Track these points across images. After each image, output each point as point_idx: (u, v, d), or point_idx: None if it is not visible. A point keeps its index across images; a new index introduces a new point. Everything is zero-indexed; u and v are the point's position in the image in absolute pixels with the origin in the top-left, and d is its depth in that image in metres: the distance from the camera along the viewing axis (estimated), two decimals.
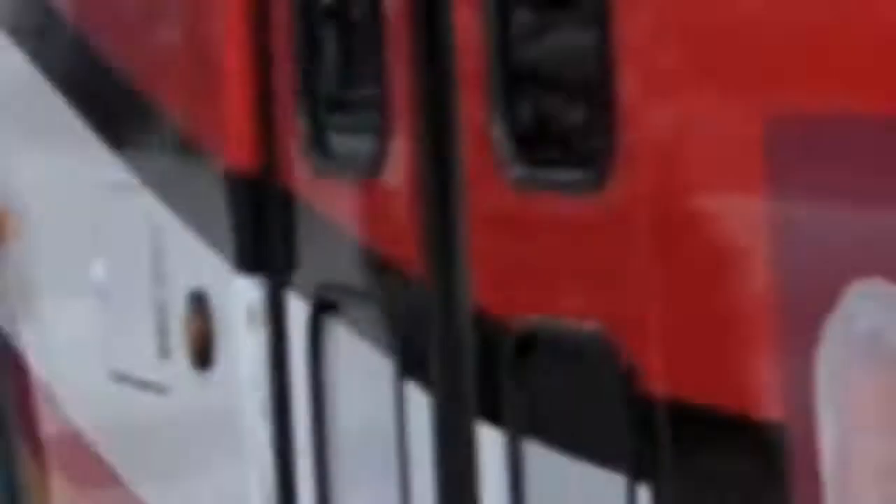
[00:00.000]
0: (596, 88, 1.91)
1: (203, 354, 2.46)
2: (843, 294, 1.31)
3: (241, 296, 2.39)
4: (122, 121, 2.91)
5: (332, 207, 2.39)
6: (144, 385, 2.63)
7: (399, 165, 2.24)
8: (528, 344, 1.95)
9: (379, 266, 2.26)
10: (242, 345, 2.39)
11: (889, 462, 1.30)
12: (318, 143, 2.42)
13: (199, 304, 2.47)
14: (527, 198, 1.97)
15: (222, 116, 2.51)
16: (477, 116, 2.06)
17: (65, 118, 3.05)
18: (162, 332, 2.54)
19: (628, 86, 1.76)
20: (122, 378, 2.70)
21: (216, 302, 2.45)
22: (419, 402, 2.11)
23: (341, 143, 2.43)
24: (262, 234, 2.43)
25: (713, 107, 1.65)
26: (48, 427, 3.11)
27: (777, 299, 1.47)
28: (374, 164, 2.29)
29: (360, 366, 2.27)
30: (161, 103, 2.73)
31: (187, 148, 2.62)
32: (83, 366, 2.87)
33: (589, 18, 1.91)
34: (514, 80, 2.06)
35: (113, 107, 2.94)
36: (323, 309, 2.34)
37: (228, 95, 2.50)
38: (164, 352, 2.56)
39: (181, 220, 2.57)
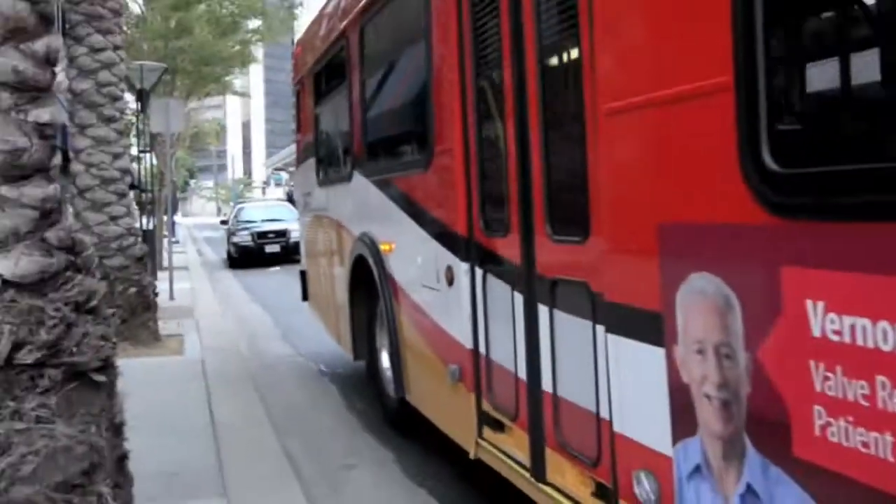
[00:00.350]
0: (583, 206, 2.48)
1: (450, 282, 3.49)
2: (689, 275, 1.92)
3: (464, 267, 3.37)
4: (418, 215, 3.95)
5: (483, 241, 3.27)
6: (431, 287, 3.78)
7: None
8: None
9: (506, 260, 3.09)
10: (463, 280, 3.37)
11: (699, 337, 1.91)
12: (485, 223, 3.25)
13: (450, 268, 3.50)
14: None
15: (455, 214, 3.44)
16: None
17: (394, 210, 4.29)
18: (439, 276, 3.63)
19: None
20: (424, 285, 3.88)
21: (455, 268, 3.45)
22: (518, 301, 2.94)
23: (493, 223, 3.21)
24: (471, 251, 3.34)
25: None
26: (400, 291, 4.35)
27: (665, 276, 2.03)
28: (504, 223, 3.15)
29: (498, 287, 3.15)
30: (426, 206, 3.86)
31: (441, 224, 3.64)
32: (415, 280, 4.06)
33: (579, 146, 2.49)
34: None
35: (412, 210, 4.04)
36: (486, 270, 3.25)
37: (458, 205, 3.41)
38: (437, 280, 3.65)
39: (443, 247, 3.61)
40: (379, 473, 4.17)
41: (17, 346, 1.97)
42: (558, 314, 2.66)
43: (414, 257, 4.03)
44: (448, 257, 3.51)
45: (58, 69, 2.26)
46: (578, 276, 2.50)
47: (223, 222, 22.84)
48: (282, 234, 17.85)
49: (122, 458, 2.28)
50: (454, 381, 3.47)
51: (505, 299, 3.02)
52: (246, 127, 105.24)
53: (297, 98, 7.39)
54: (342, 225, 5.54)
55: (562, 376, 2.67)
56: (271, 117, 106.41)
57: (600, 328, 2.36)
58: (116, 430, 2.24)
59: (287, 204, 23.64)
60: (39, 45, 2.16)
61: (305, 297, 7.26)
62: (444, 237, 3.58)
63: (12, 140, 2.08)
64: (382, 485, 4.00)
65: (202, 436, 4.58)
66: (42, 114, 2.16)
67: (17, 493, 1.91)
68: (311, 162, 6.63)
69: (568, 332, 2.62)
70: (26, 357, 1.98)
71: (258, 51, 24.25)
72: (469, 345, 3.34)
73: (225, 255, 19.70)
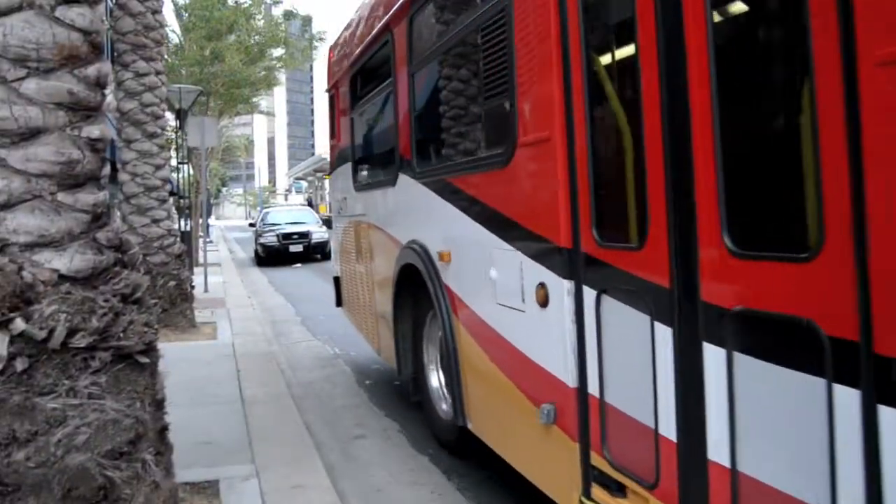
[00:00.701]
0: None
1: (543, 302, 2.46)
2: None
3: (566, 286, 2.33)
4: (492, 221, 2.86)
5: (598, 253, 2.22)
6: (512, 307, 2.72)
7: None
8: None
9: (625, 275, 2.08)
10: (564, 301, 2.34)
11: None
12: (601, 230, 2.21)
13: (543, 286, 2.46)
14: None
15: (553, 218, 2.39)
16: None
17: (454, 214, 3.24)
18: (525, 294, 2.59)
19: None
20: (501, 304, 2.80)
21: (551, 287, 2.42)
22: (663, 336, 1.91)
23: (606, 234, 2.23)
24: (577, 267, 2.29)
25: None
26: (461, 307, 3.26)
27: None
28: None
29: (625, 314, 2.10)
30: (503, 209, 2.77)
31: (529, 231, 2.58)
32: (486, 297, 2.95)
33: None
34: None
35: (482, 214, 2.96)
36: (602, 291, 2.20)
37: (558, 208, 2.36)
38: (522, 299, 2.62)
39: (531, 259, 2.54)
40: (386, 442, 4.16)
41: (71, 332, 1.96)
42: (745, 361, 1.65)
43: (484, 270, 2.94)
44: (540, 272, 2.49)
45: (107, 91, 2.25)
46: (791, 310, 1.53)
47: (251, 225, 22.76)
48: (304, 235, 17.59)
49: (163, 430, 2.27)
50: (547, 423, 2.48)
51: (637, 331, 2.01)
52: (270, 142, 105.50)
53: (330, 103, 6.24)
54: (384, 231, 4.45)
55: (750, 448, 1.68)
56: (292, 134, 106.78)
57: (848, 392, 1.40)
58: (158, 405, 2.24)
59: (309, 208, 23.62)
60: (91, 71, 2.15)
61: (339, 303, 6.18)
62: (534, 247, 2.54)
63: (68, 153, 2.07)
64: (390, 452, 3.99)
65: (232, 410, 4.56)
66: (93, 130, 2.15)
67: (72, 460, 1.90)
68: (348, 167, 5.51)
69: (765, 387, 1.62)
70: (80, 342, 1.98)
71: (281, 76, 24.19)
72: (572, 382, 2.36)
73: (252, 254, 19.54)
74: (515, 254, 2.67)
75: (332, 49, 6.22)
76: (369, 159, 5.22)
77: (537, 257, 2.52)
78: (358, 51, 5.03)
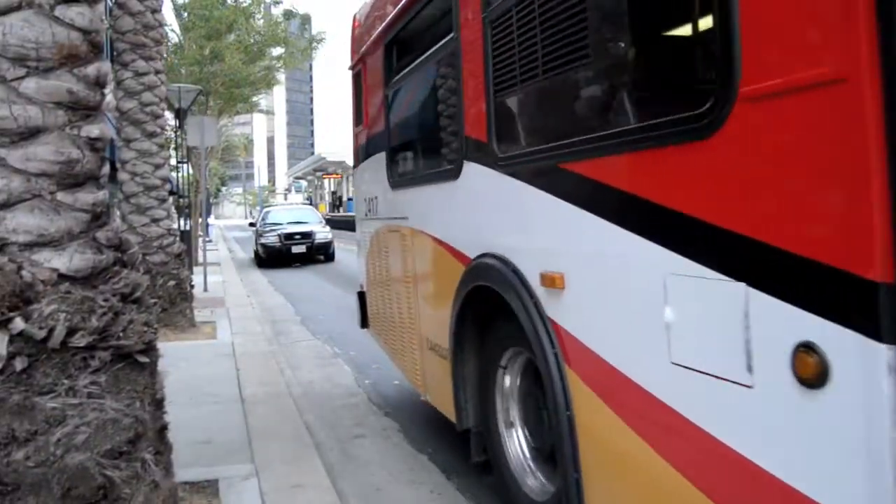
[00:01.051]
0: None
1: (815, 379, 1.36)
2: None
3: (882, 356, 1.23)
4: (672, 231, 1.74)
5: None
6: (714, 375, 1.63)
7: None
8: None
9: None
10: (882, 384, 1.24)
11: None
12: None
13: (811, 350, 1.35)
14: None
15: (864, 239, 1.27)
16: None
17: (579, 218, 2.14)
18: (749, 357, 1.51)
19: None
20: (684, 365, 1.71)
21: (834, 352, 1.32)
22: None
23: None
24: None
25: None
26: (584, 358, 2.17)
27: None
28: None
29: None
30: (702, 213, 1.64)
31: (780, 256, 1.43)
32: (639, 347, 1.89)
33: None
34: None
35: (654, 220, 1.80)
36: None
37: (876, 229, 1.25)
38: (748, 367, 1.52)
39: (777, 299, 1.44)
40: (385, 442, 4.16)
41: (71, 332, 1.96)
42: None
43: (643, 307, 1.86)
44: (805, 324, 1.38)
45: (106, 91, 2.25)
46: None
47: (251, 224, 22.70)
48: (307, 235, 17.29)
49: (163, 429, 2.27)
50: None
51: None
52: (270, 141, 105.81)
53: (355, 82, 5.03)
54: (438, 240, 3.39)
55: None
56: (292, 133, 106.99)
57: None
58: (158, 404, 2.24)
59: (311, 207, 23.60)
60: (91, 70, 2.15)
61: (364, 323, 5.12)
62: (785, 279, 1.44)
63: (67, 152, 2.08)
64: (389, 452, 3.99)
65: (232, 409, 4.57)
66: (93, 129, 2.15)
67: (72, 460, 1.90)
68: (380, 158, 4.35)
69: None
70: (79, 341, 1.98)
71: (281, 75, 24.20)
72: None
73: (252, 255, 19.40)
74: (731, 286, 1.55)
75: (356, 17, 5.02)
76: (414, 146, 4.11)
77: (794, 297, 1.41)
78: (398, 8, 3.88)
